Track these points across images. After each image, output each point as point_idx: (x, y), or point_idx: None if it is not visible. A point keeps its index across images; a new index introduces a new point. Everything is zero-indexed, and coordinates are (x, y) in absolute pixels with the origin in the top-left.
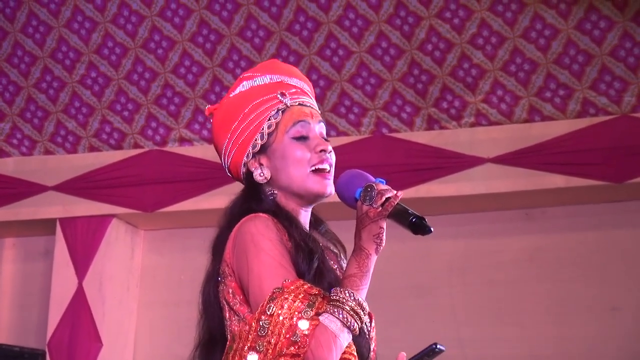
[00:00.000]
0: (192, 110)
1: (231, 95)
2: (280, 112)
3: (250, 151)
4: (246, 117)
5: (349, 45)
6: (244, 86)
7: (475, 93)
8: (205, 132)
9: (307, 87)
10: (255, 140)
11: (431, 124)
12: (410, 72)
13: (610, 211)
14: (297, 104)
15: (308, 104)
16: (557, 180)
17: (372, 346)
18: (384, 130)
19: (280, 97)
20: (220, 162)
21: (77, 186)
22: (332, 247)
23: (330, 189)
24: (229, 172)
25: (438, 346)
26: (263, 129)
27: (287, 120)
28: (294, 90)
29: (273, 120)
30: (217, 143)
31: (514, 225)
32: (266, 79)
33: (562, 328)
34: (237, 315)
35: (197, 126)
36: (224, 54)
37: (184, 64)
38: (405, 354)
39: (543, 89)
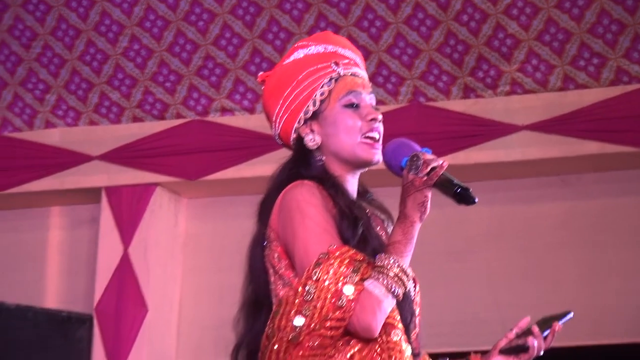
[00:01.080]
0: (233, 81)
1: (285, 63)
2: (333, 80)
3: (302, 117)
4: (299, 84)
5: (385, 17)
6: (298, 54)
7: (511, 62)
8: (245, 102)
9: (359, 59)
10: (308, 106)
11: (467, 92)
12: (446, 42)
13: None
14: (349, 74)
15: (360, 75)
16: (591, 147)
17: (417, 311)
18: (421, 99)
19: (334, 66)
20: (262, 131)
21: (121, 155)
22: (378, 214)
23: (378, 157)
24: (279, 138)
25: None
26: (316, 95)
27: (340, 88)
28: (347, 60)
29: (326, 88)
30: (267, 109)
31: (549, 191)
32: (320, 48)
33: (596, 293)
34: (282, 280)
35: (237, 96)
36: (263, 26)
37: (224, 36)
38: (529, 318)
39: (577, 57)
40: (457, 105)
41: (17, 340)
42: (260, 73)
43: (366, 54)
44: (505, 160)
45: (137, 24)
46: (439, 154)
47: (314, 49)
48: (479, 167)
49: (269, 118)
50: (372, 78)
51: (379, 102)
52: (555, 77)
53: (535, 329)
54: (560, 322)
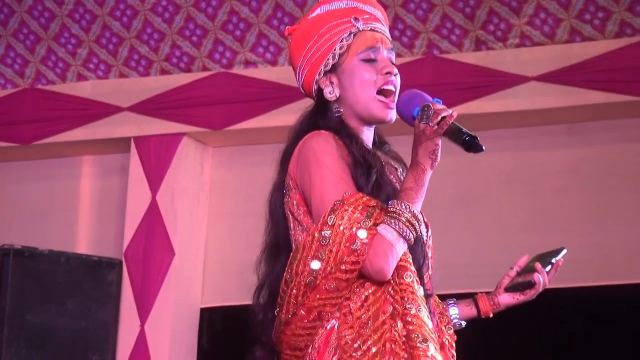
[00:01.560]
0: (257, 34)
1: (309, 18)
2: (352, 35)
3: (323, 70)
4: (320, 38)
5: None
6: (321, 9)
7: (520, 16)
8: (268, 55)
9: (380, 14)
10: (327, 59)
11: (479, 45)
12: None
13: None
14: (369, 29)
15: (379, 30)
16: (597, 97)
17: (430, 254)
18: (435, 52)
19: (353, 22)
20: (284, 82)
21: (149, 107)
22: (392, 163)
23: (392, 116)
24: (303, 89)
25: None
26: (335, 49)
27: (359, 43)
28: (367, 16)
29: (345, 42)
30: (293, 62)
31: (558, 139)
32: (342, 4)
33: (605, 234)
34: (301, 225)
35: (261, 50)
36: None
37: None
38: (527, 256)
39: (583, 11)
40: (469, 57)
41: (51, 284)
42: (287, 27)
43: (383, 9)
44: (515, 109)
45: None
46: (451, 104)
47: (335, 5)
48: (490, 117)
49: (294, 69)
50: (389, 32)
51: (395, 54)
52: (562, 30)
53: (539, 265)
54: (557, 258)
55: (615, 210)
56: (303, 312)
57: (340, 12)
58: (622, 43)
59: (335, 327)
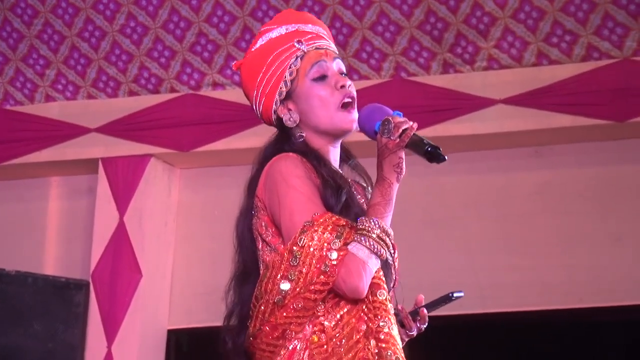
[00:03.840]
0: (225, 56)
1: (253, 49)
2: (299, 58)
3: (278, 99)
4: (269, 68)
5: None
6: (263, 39)
7: (487, 39)
8: (236, 77)
9: (322, 30)
10: (280, 88)
11: (446, 68)
12: (427, 19)
13: (614, 148)
14: (313, 48)
15: (324, 46)
16: (564, 120)
17: (394, 276)
18: (403, 74)
19: (297, 45)
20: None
21: (117, 128)
22: (359, 181)
23: (356, 124)
24: (262, 119)
25: (455, 294)
26: (285, 76)
27: (306, 64)
28: (309, 36)
29: (294, 67)
30: (247, 94)
31: (524, 162)
32: (282, 30)
33: (570, 257)
34: (269, 246)
35: (229, 71)
36: (253, 4)
37: (216, 14)
38: (423, 297)
39: (550, 34)
40: (437, 80)
41: (18, 305)
42: (234, 62)
43: (350, 31)
44: (483, 132)
45: (133, 2)
46: (420, 126)
47: (276, 32)
48: (458, 139)
49: (250, 101)
50: (357, 54)
51: (363, 77)
52: (529, 53)
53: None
54: (452, 297)
55: (581, 233)
56: (268, 329)
57: (283, 38)
58: (589, 66)
59: (297, 348)
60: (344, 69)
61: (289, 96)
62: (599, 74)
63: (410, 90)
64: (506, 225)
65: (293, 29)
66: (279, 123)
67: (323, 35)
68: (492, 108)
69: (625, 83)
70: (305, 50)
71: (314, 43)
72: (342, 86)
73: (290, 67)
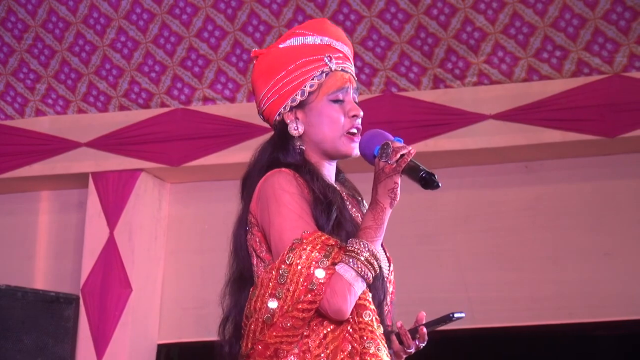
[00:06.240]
0: (215, 71)
1: (280, 46)
2: (324, 74)
3: (289, 104)
4: (292, 72)
5: (360, 10)
6: (296, 40)
7: (478, 54)
8: (227, 92)
9: (349, 51)
10: (296, 95)
11: (437, 83)
12: (417, 35)
13: (604, 164)
14: (340, 69)
15: (349, 71)
16: (554, 135)
17: (390, 289)
18: (393, 89)
19: (326, 61)
20: (242, 119)
21: (108, 142)
22: (355, 195)
23: (356, 151)
24: (261, 115)
25: (455, 315)
26: (305, 86)
27: (331, 84)
28: (339, 54)
29: (316, 81)
30: (255, 86)
31: (514, 177)
32: (317, 40)
33: (559, 272)
34: (263, 262)
35: (219, 86)
36: (244, 19)
37: (207, 29)
38: (424, 314)
39: (540, 50)
40: (427, 95)
41: (7, 320)
42: (254, 49)
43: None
44: (473, 147)
45: (124, 16)
46: (409, 141)
47: (310, 39)
48: (448, 154)
49: (255, 94)
50: None
51: None
52: (520, 69)
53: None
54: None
55: (571, 248)
56: (260, 348)
57: (315, 48)
58: (579, 82)
59: None
60: (357, 99)
61: (301, 105)
62: (589, 90)
63: (400, 105)
64: (496, 240)
65: (327, 43)
66: (280, 127)
67: (349, 57)
68: (483, 123)
69: (615, 98)
70: (333, 68)
71: (342, 64)
72: (354, 116)
73: (313, 79)
